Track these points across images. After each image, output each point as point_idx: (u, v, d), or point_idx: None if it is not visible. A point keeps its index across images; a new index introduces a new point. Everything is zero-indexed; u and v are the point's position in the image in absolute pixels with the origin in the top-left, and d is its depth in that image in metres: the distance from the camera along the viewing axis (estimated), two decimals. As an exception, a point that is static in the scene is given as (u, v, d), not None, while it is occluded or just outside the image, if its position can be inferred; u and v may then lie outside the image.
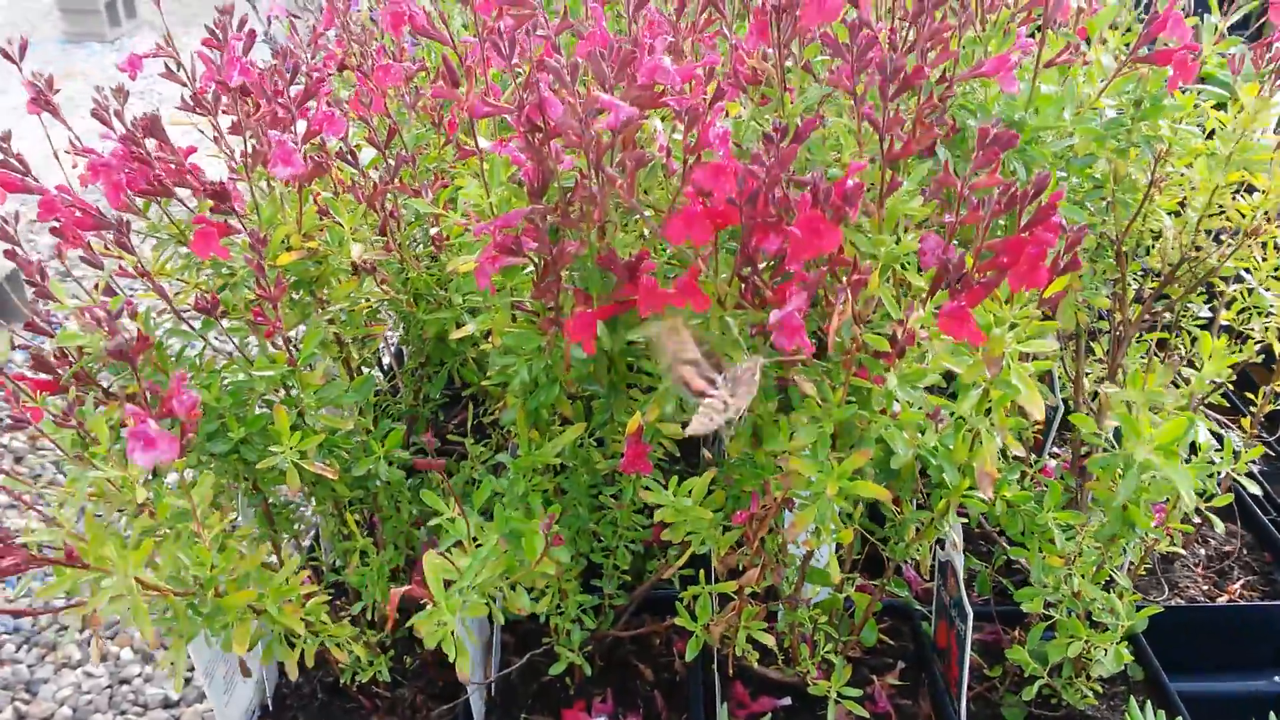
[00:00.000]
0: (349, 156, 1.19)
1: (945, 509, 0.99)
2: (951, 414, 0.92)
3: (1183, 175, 1.35)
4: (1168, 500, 1.12)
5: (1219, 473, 1.06)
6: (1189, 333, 1.40)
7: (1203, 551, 1.49)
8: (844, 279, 0.84)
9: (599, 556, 1.19)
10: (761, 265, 0.89)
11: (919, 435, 0.93)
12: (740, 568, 1.00)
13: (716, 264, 0.92)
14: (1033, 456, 1.44)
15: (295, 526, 1.25)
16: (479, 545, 0.94)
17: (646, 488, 0.98)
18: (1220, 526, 1.09)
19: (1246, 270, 1.48)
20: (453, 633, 0.81)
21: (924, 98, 0.96)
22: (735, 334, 0.93)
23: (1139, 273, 1.47)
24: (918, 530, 1.06)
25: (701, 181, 0.85)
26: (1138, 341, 1.52)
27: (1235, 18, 1.34)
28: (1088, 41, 1.26)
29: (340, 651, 1.00)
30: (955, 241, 0.88)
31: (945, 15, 1.08)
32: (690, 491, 0.98)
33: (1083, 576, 1.07)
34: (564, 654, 1.16)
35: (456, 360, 1.28)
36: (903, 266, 1.00)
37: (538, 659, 1.22)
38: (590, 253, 0.96)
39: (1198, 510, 1.19)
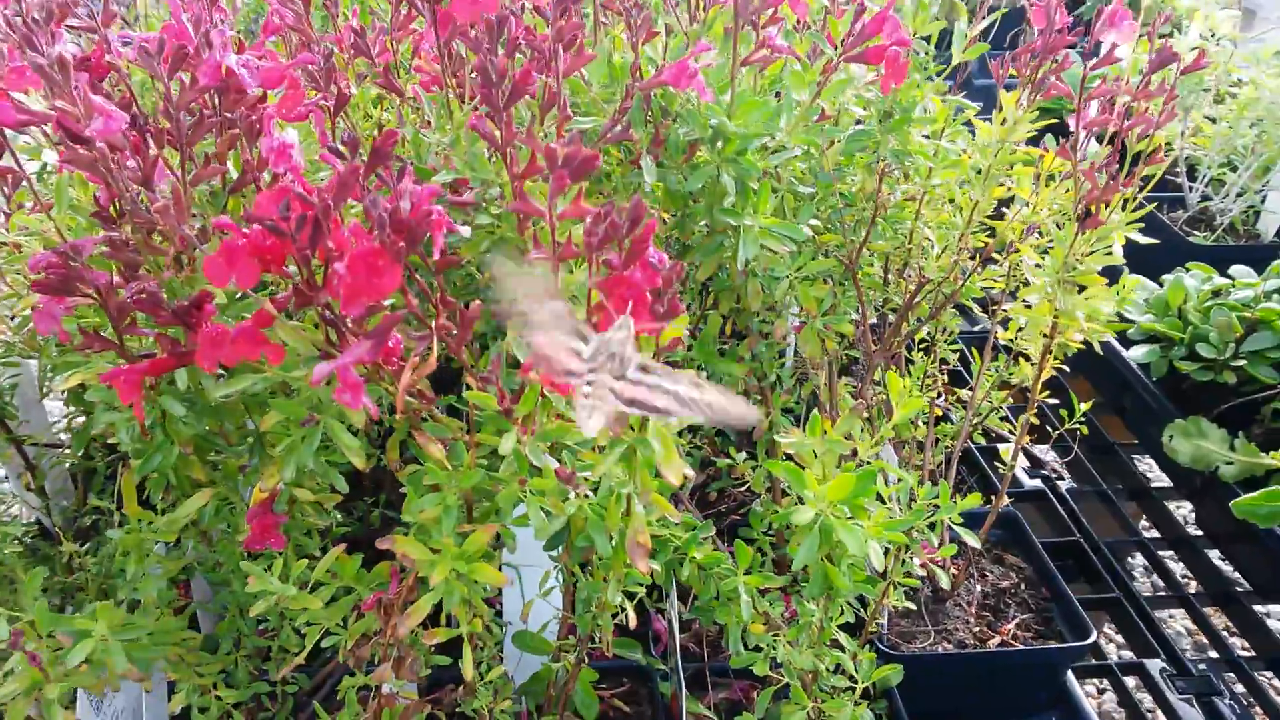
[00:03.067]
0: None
1: (609, 580, 0.86)
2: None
3: (936, 188, 1.26)
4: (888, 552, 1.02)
5: (939, 520, 0.96)
6: (942, 356, 1.31)
7: (979, 589, 1.40)
8: (430, 324, 0.70)
9: (260, 640, 1.03)
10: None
11: (562, 504, 0.80)
12: (376, 660, 0.86)
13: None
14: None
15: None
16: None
17: (246, 575, 0.82)
18: (943, 579, 0.99)
19: (1024, 284, 1.40)
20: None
21: (561, 109, 0.83)
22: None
23: (909, 290, 1.38)
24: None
25: (261, 209, 0.70)
26: (910, 364, 1.43)
27: (985, 24, 1.26)
28: (835, 46, 1.15)
29: None
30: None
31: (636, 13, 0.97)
32: (308, 573, 0.83)
33: (790, 642, 0.96)
34: (216, 755, 1.00)
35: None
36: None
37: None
38: (173, 291, 0.80)
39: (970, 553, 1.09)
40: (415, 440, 0.91)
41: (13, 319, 1.04)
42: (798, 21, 1.14)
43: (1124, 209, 1.07)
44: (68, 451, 1.21)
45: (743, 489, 1.54)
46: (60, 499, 1.23)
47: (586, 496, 0.82)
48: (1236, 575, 1.77)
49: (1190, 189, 2.36)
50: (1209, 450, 1.75)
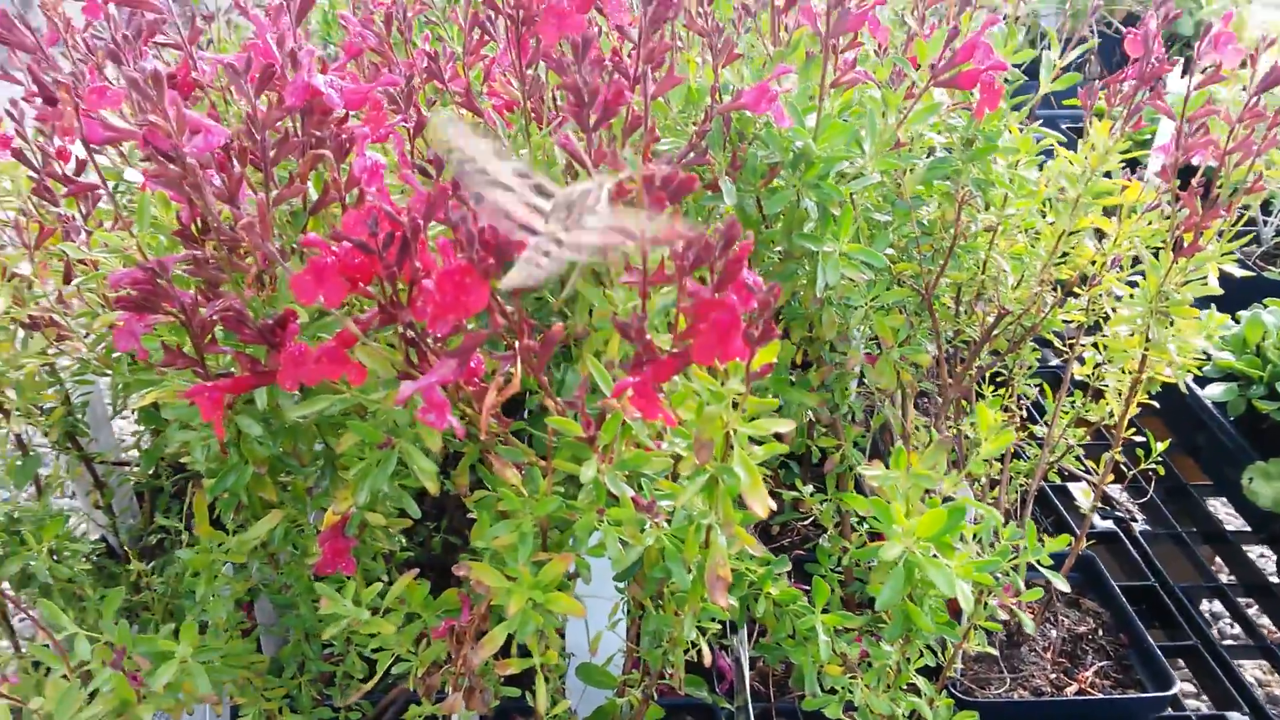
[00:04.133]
0: (45, 193, 1.02)
1: (684, 614, 0.84)
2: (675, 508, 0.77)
3: (1011, 217, 1.23)
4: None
5: (1022, 562, 0.92)
6: (1019, 391, 1.27)
7: (1054, 633, 1.35)
8: (514, 344, 0.68)
9: (325, 665, 1.01)
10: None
11: (640, 533, 0.78)
12: (445, 689, 0.84)
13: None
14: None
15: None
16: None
17: (316, 598, 0.81)
18: (1027, 624, 0.94)
19: (1105, 318, 1.36)
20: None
21: (648, 133, 0.81)
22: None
23: (986, 321, 1.34)
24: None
25: (349, 227, 0.69)
26: (980, 398, 1.39)
27: (1074, 55, 1.22)
28: (916, 67, 1.13)
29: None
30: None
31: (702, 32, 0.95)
32: (379, 599, 0.81)
33: (869, 685, 0.92)
34: (274, 784, 0.98)
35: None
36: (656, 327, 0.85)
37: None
38: (255, 309, 0.80)
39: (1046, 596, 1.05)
40: (487, 465, 0.89)
41: (86, 335, 1.04)
42: (878, 45, 1.12)
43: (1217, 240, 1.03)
44: (134, 470, 1.22)
45: (806, 523, 1.50)
46: (126, 517, 1.23)
47: (662, 526, 0.80)
48: (1322, 626, 1.69)
49: (1265, 223, 2.29)
50: (1292, 493, 1.68)
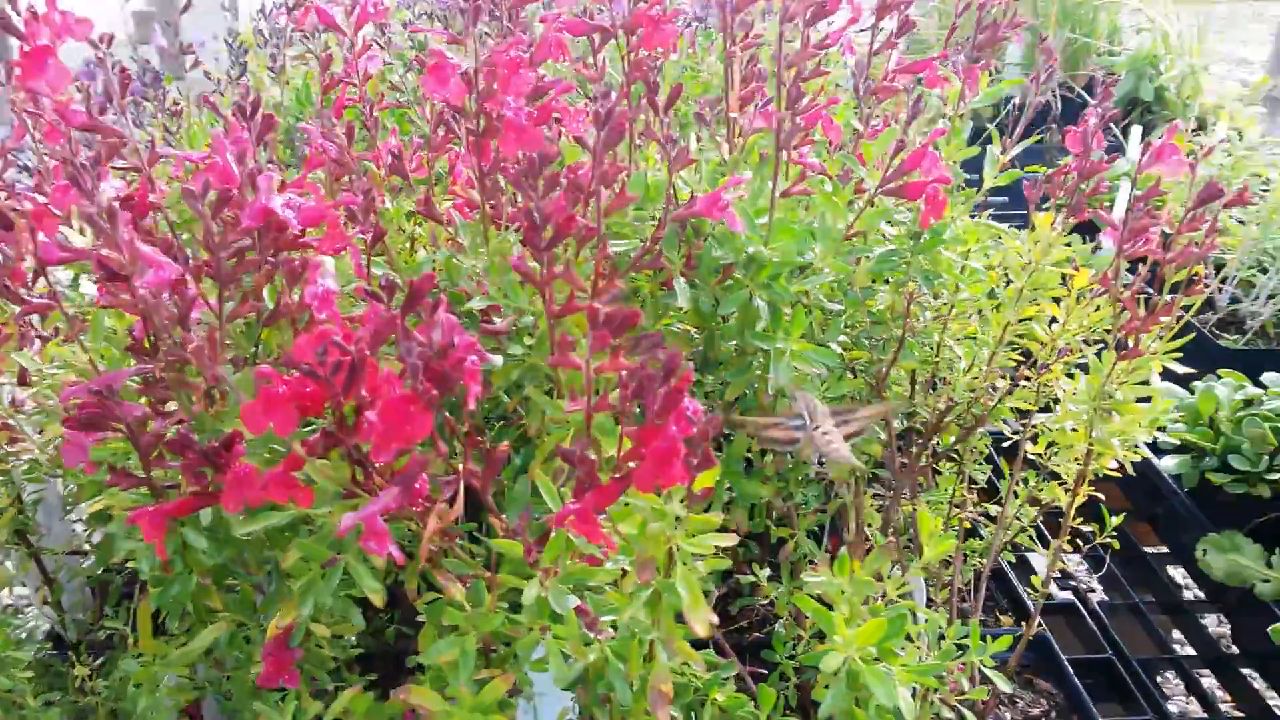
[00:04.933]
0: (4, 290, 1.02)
1: (632, 728, 0.84)
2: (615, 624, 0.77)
3: (963, 301, 1.25)
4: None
5: (969, 663, 0.93)
6: (970, 474, 1.29)
7: (1008, 716, 1.36)
8: (457, 470, 0.69)
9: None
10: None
11: (584, 648, 0.78)
12: (390, 804, 0.83)
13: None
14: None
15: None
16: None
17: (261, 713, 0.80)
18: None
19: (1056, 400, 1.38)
20: None
21: (601, 247, 0.83)
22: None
23: (937, 409, 1.36)
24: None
25: (300, 352, 0.70)
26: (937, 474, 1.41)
27: (1016, 150, 1.26)
28: (864, 164, 1.16)
29: None
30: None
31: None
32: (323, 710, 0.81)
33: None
34: None
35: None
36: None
37: None
38: (203, 426, 0.80)
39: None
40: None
41: (38, 433, 1.04)
42: (829, 143, 1.15)
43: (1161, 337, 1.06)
44: (87, 565, 1.20)
45: (766, 603, 1.50)
46: (76, 611, 1.21)
47: (605, 639, 0.80)
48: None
49: (1219, 290, 2.35)
50: (1244, 566, 1.71)
